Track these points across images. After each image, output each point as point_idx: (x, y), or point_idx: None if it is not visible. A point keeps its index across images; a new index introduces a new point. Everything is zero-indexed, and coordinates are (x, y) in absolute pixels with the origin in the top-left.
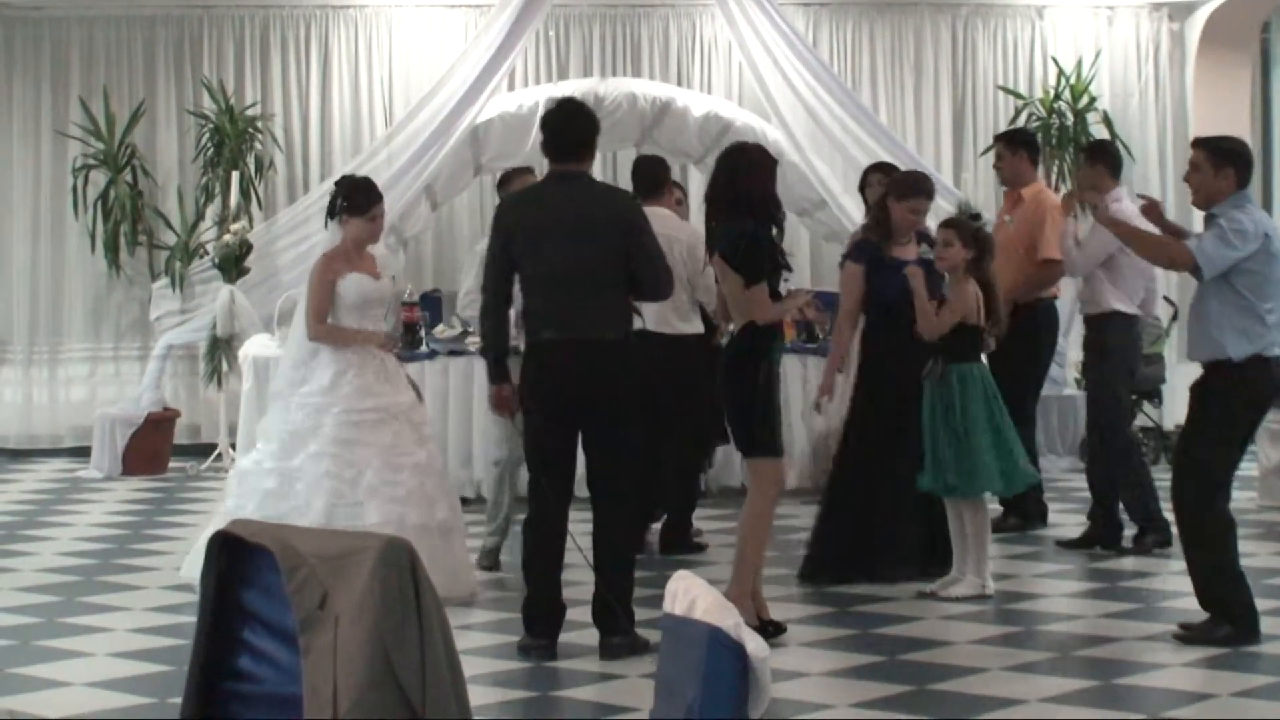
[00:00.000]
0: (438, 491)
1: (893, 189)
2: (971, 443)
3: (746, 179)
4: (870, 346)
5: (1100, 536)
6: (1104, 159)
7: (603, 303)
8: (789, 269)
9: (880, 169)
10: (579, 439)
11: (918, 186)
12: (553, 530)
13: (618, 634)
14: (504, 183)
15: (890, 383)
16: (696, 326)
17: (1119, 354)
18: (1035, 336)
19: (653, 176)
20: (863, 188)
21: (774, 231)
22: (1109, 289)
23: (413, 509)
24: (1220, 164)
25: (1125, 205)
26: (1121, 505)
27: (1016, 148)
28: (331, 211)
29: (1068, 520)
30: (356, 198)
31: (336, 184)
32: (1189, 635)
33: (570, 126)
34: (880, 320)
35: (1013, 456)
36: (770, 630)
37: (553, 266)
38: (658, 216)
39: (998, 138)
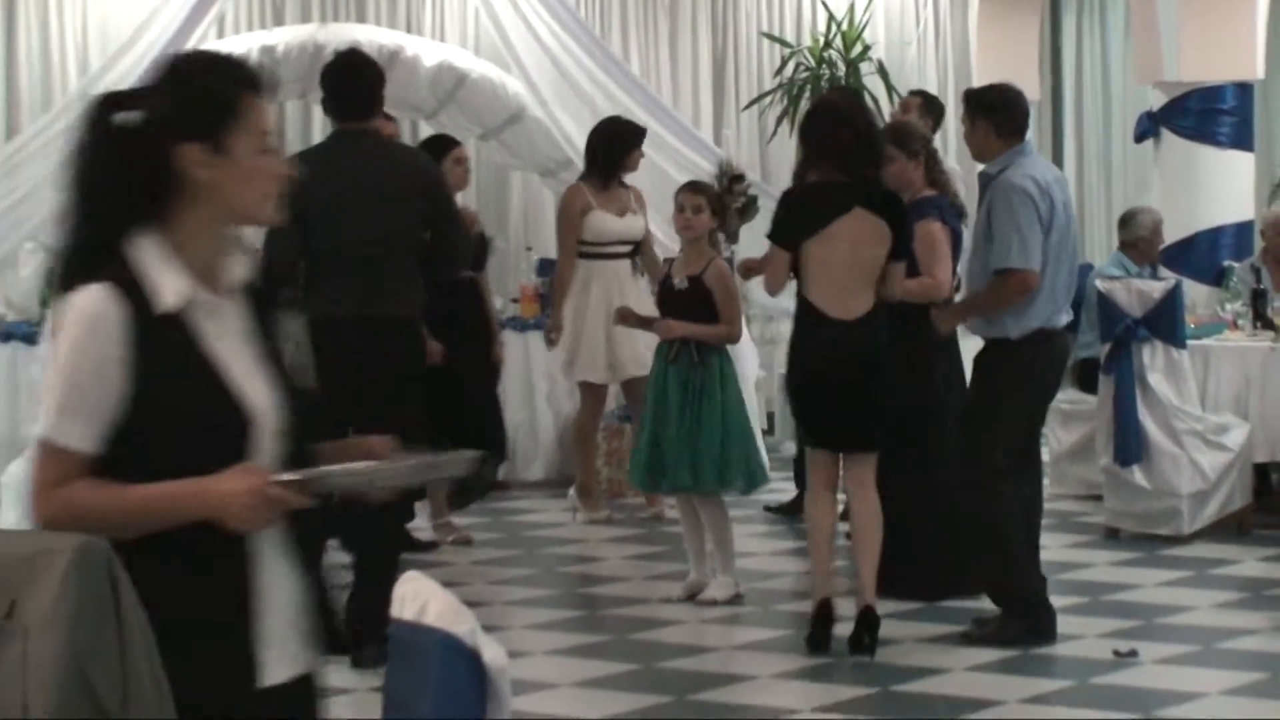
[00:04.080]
0: None
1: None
2: (732, 432)
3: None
4: None
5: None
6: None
7: (401, 276)
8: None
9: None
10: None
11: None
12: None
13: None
14: None
15: None
16: None
17: None
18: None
19: None
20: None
21: None
22: None
23: None
24: (973, 115)
25: None
26: None
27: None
28: None
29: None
30: None
31: None
32: (978, 635)
33: (356, 78)
34: None
35: (752, 452)
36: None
37: (349, 236)
38: None
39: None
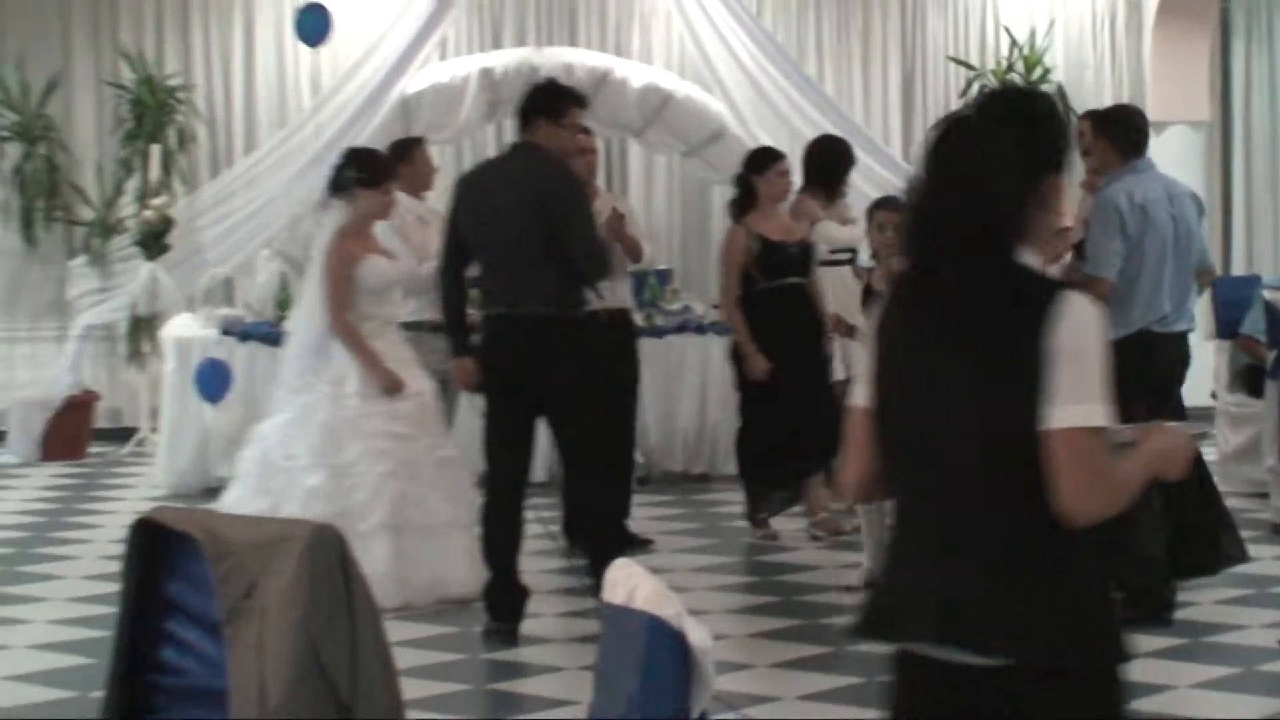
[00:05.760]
0: (463, 486)
1: None
2: None
3: None
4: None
5: None
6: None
7: (539, 276)
8: None
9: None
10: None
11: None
12: (510, 511)
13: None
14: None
15: None
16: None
17: None
18: None
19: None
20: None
21: None
22: None
23: (458, 506)
24: (1095, 133)
25: None
26: None
27: None
28: (337, 185)
29: None
30: (374, 168)
31: (345, 155)
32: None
33: (525, 95)
34: None
35: None
36: None
37: (491, 238)
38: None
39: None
